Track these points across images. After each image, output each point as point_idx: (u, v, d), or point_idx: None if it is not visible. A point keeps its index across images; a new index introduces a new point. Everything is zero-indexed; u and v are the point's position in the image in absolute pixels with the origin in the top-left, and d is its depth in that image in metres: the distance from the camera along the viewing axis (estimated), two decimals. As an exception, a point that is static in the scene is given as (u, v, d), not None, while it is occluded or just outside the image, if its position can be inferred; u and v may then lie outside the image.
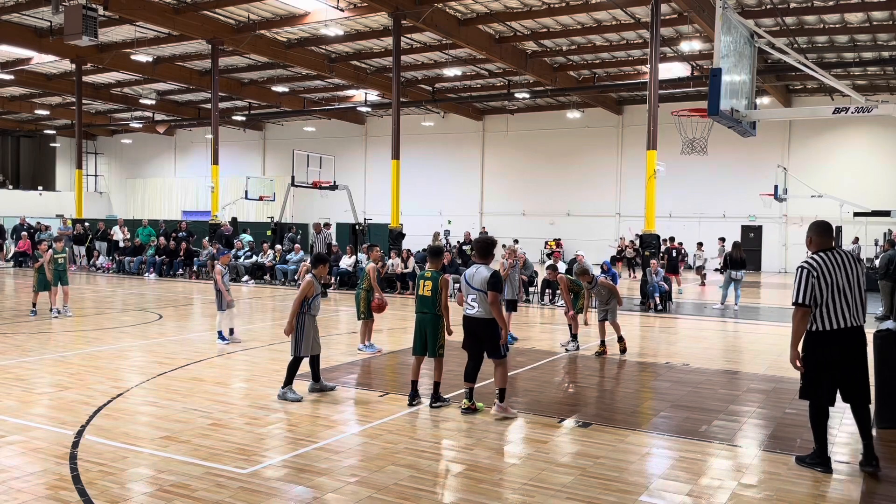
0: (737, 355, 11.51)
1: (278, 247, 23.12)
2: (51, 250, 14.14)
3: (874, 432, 6.04)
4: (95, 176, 50.30)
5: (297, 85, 33.78)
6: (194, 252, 24.39)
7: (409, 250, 21.13)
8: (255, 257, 23.31)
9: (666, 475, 5.65)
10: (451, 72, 28.78)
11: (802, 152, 31.64)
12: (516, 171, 37.74)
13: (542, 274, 17.76)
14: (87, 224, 28.69)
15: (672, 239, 23.85)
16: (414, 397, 7.60)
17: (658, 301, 16.82)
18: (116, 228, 27.63)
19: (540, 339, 12.38)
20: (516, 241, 24.01)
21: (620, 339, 10.96)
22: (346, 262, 20.99)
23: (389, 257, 20.00)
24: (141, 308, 15.72)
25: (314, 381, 8.06)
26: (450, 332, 7.67)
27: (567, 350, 11.18)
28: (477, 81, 32.12)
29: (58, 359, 9.84)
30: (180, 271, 24.03)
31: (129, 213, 45.56)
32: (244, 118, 38.87)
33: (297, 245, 22.79)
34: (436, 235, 29.75)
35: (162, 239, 25.06)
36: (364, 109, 36.50)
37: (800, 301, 5.57)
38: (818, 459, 5.74)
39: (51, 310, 13.94)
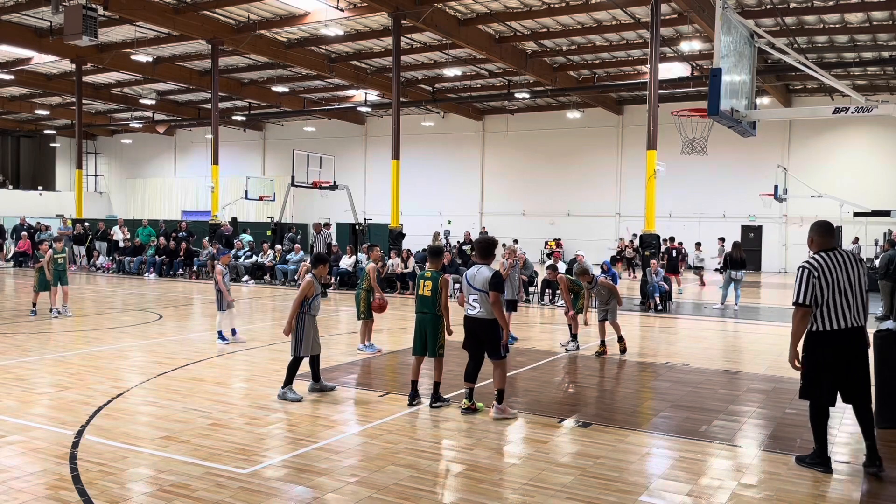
0: (737, 355, 11.51)
1: (278, 247, 23.11)
2: (51, 250, 14.14)
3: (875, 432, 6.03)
4: (95, 176, 50.31)
5: (297, 85, 33.78)
6: (194, 252, 24.39)
7: (409, 250, 21.12)
8: (255, 257, 23.30)
9: (666, 475, 5.65)
10: (451, 72, 28.77)
11: (802, 152, 31.63)
12: (516, 171, 37.73)
13: (542, 274, 17.76)
14: (87, 224, 28.68)
15: (672, 239, 23.85)
16: (414, 397, 7.60)
17: (658, 301, 16.83)
18: (116, 228, 27.62)
19: (540, 339, 12.38)
20: (516, 241, 23.99)
21: (620, 339, 10.97)
22: (346, 262, 20.99)
23: (389, 257, 20.00)
24: (141, 308, 15.72)
25: (314, 381, 8.06)
26: (450, 332, 7.67)
27: (567, 350, 11.18)
28: (477, 81, 32.12)
29: (58, 359, 9.84)
30: (180, 271, 24.02)
31: (129, 213, 45.56)
32: (244, 118, 38.87)
33: (297, 245, 22.78)
34: (436, 235, 29.73)
35: (162, 239, 25.05)
36: (364, 109, 36.50)
37: (800, 301, 5.57)
38: (818, 459, 5.74)
39: (51, 310, 13.94)
